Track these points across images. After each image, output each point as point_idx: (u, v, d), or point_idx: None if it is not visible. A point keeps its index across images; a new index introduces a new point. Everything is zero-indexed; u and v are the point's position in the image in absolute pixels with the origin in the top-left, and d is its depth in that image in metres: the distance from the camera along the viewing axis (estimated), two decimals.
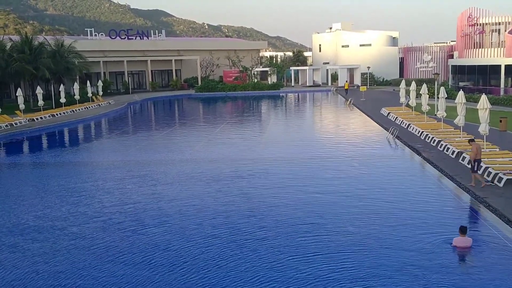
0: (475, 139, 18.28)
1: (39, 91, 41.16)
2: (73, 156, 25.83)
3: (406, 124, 29.76)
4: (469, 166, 16.62)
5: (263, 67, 75.58)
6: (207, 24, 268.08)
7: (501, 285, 9.79)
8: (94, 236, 12.93)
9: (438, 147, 22.44)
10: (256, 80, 68.92)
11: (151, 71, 68.96)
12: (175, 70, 70.17)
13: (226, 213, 14.51)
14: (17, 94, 37.97)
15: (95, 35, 68.24)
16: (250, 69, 69.60)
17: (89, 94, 49.88)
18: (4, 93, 52.29)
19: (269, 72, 71.64)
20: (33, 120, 37.41)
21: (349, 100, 46.20)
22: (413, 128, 27.85)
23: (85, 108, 45.85)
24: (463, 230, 11.61)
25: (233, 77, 67.37)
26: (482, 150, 20.10)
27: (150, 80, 68.90)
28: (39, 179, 20.47)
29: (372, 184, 17.42)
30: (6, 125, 34.26)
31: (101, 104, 49.64)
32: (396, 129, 26.84)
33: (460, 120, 21.96)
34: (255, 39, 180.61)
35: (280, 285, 9.84)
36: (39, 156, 26.51)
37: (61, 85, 46.17)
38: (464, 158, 19.19)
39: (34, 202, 16.47)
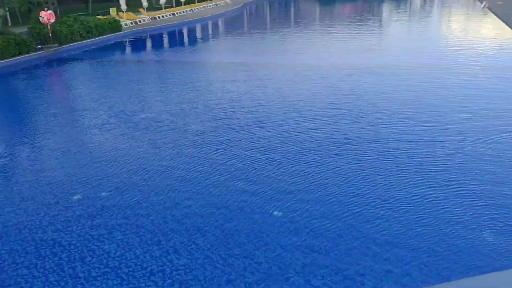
0: None
1: None
2: (192, 55, 26.78)
3: None
4: None
5: None
6: None
7: None
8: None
9: None
10: None
11: None
12: None
13: None
14: None
15: None
16: None
17: None
18: None
19: None
20: (155, 18, 38.83)
21: (484, 3, 41.25)
22: None
23: (203, 8, 46.44)
24: None
25: None
26: None
27: None
28: (162, 74, 21.76)
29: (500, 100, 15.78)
30: (131, 23, 36.02)
31: (218, 3, 49.82)
32: None
33: None
34: None
35: None
36: (161, 53, 27.84)
37: None
38: None
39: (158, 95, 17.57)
